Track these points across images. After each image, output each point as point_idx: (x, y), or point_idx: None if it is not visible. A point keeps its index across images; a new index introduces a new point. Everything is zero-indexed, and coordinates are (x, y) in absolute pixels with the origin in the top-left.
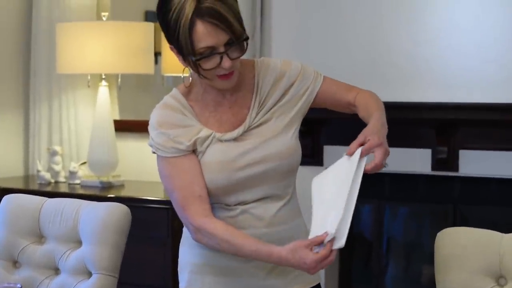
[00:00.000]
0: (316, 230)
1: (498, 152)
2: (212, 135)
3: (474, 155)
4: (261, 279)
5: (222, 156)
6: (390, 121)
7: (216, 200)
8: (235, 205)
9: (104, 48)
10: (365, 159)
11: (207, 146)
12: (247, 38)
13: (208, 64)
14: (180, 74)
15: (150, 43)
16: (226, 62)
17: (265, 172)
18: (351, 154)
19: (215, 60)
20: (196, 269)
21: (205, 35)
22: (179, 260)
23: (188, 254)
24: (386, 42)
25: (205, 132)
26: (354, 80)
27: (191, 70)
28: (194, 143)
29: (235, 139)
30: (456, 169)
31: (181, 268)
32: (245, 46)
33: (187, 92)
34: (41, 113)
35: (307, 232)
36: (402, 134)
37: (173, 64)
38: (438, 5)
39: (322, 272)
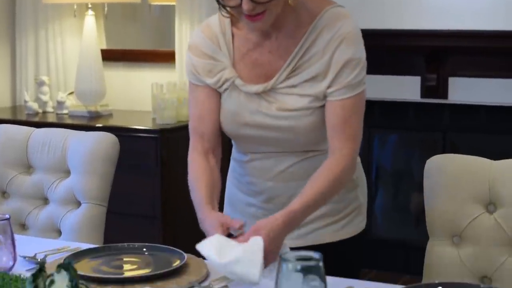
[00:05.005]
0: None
1: (488, 79)
2: (232, 80)
3: (463, 82)
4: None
5: (234, 107)
6: (381, 48)
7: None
8: (246, 153)
9: None
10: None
11: (225, 90)
12: None
13: (230, 2)
14: (167, 3)
15: None
16: (245, 5)
17: (276, 139)
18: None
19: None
20: (227, 201)
21: None
22: None
23: (227, 187)
24: None
25: (227, 73)
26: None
27: None
28: (213, 82)
29: (255, 93)
30: (445, 96)
31: None
32: None
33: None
34: (27, 44)
35: None
36: (392, 62)
37: None
38: None
39: None
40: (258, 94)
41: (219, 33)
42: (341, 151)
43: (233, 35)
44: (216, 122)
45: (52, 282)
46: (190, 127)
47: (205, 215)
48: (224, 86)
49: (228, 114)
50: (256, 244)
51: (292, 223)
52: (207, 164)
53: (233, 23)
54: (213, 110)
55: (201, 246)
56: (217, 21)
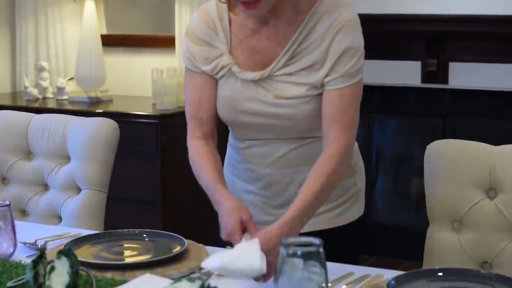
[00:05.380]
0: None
1: (488, 64)
2: (228, 67)
3: (464, 67)
4: (270, 214)
5: (231, 93)
6: (381, 33)
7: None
8: (243, 139)
9: None
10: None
11: (221, 77)
12: None
13: None
14: None
15: None
16: None
17: (274, 126)
18: None
19: None
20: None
21: None
22: None
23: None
24: None
25: (224, 60)
26: None
27: None
28: (210, 69)
29: (251, 80)
30: (445, 81)
31: None
32: None
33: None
34: (27, 29)
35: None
36: (392, 47)
37: None
38: None
39: None
40: (255, 82)
41: (216, 18)
42: (337, 140)
43: (230, 21)
44: (214, 107)
45: (52, 268)
46: (187, 113)
47: (221, 198)
48: (221, 73)
49: (225, 101)
50: (253, 242)
51: (289, 233)
52: (208, 148)
53: (231, 8)
54: (210, 96)
55: (206, 264)
56: (215, 6)
